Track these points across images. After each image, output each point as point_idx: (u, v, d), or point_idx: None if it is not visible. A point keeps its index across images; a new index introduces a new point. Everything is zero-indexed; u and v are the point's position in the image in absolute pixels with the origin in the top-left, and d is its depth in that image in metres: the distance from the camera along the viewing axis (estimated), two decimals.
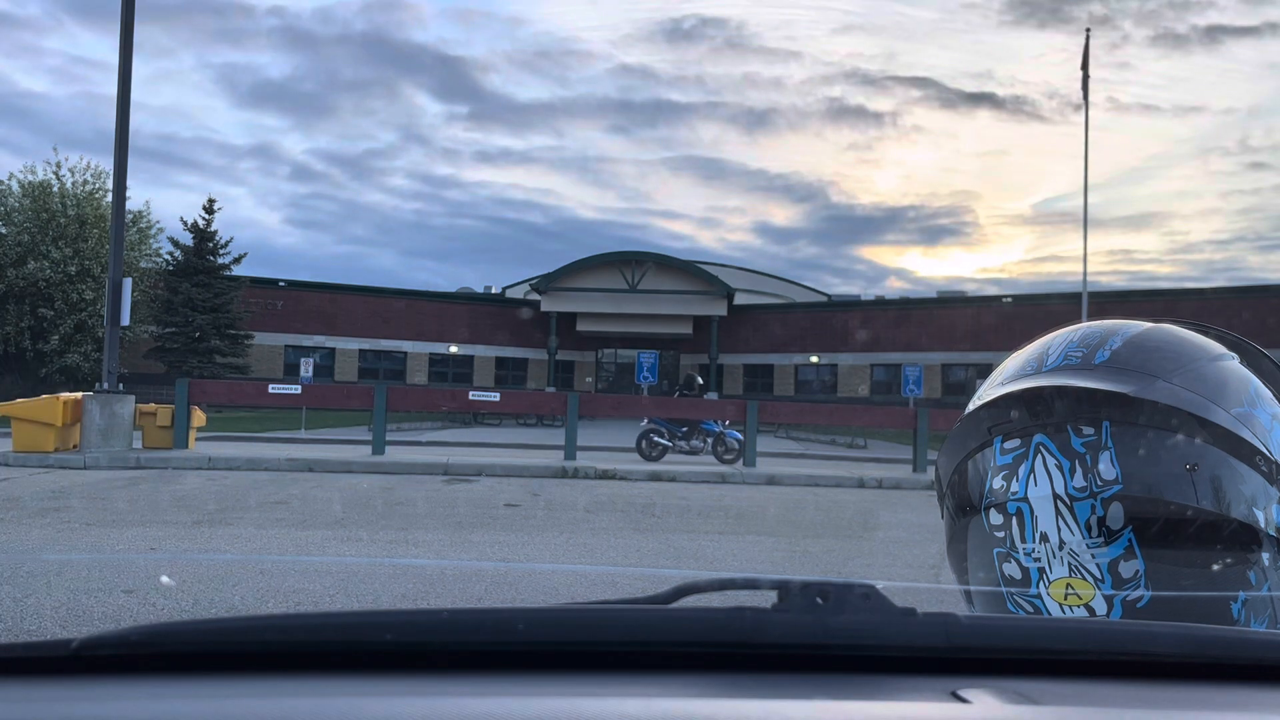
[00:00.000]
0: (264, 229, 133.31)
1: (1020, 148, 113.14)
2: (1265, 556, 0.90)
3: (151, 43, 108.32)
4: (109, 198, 30.86)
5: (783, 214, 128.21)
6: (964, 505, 1.01)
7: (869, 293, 56.86)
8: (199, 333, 35.02)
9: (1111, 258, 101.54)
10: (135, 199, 34.88)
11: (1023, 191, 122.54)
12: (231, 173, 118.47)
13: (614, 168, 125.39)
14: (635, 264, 41.93)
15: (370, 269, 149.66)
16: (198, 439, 16.19)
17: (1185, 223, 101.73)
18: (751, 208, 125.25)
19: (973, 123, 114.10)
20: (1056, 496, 0.93)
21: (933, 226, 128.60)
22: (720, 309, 42.08)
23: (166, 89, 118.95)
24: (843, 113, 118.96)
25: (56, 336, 32.81)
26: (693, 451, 17.56)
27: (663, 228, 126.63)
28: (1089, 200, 29.90)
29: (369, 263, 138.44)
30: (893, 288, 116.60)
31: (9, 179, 34.66)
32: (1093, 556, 0.91)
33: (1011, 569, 0.95)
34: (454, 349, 42.18)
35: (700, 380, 20.42)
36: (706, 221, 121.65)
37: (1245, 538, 0.89)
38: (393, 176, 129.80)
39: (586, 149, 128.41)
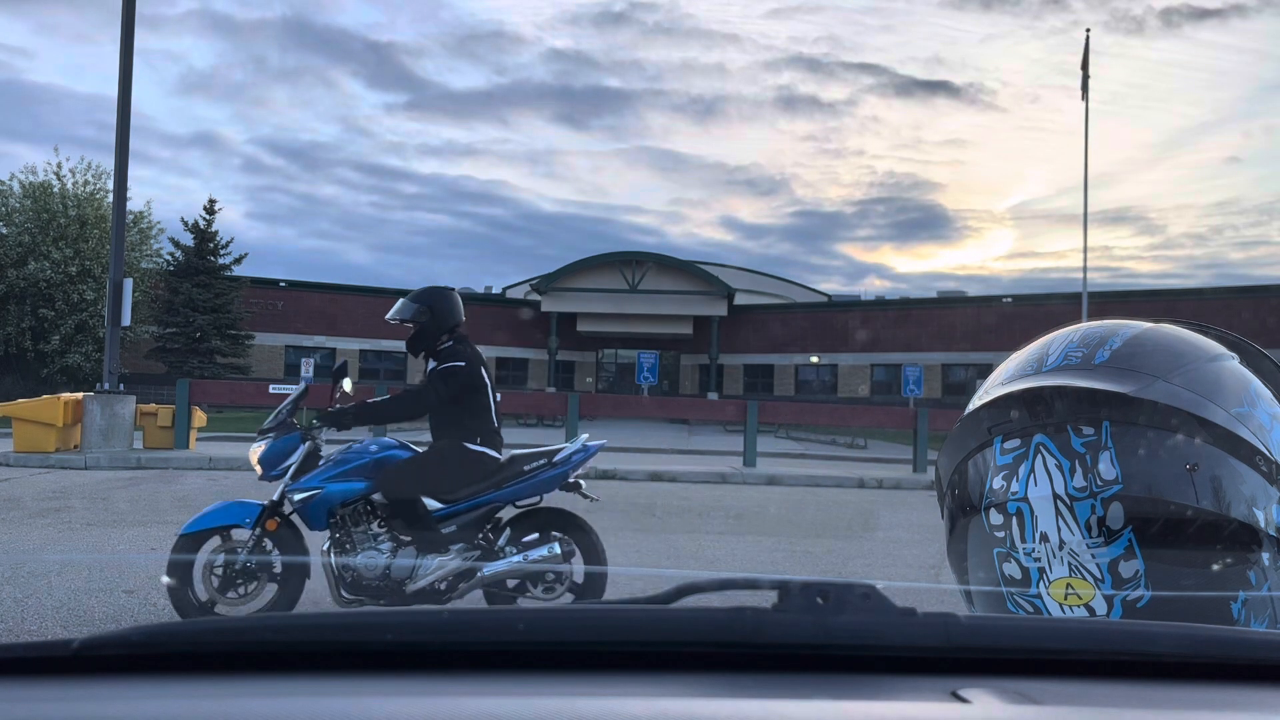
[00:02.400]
0: (227, 224, 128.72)
1: (987, 139, 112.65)
2: (1265, 556, 0.90)
3: (67, 28, 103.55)
4: (109, 198, 30.87)
5: (748, 209, 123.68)
6: (964, 505, 1.01)
7: (849, 290, 57.02)
8: (200, 333, 35.05)
9: (1091, 255, 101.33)
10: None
11: (997, 185, 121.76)
12: (180, 164, 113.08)
13: (567, 159, 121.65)
14: (635, 264, 41.95)
15: (340, 265, 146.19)
16: (198, 439, 16.19)
17: (1163, 218, 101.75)
18: (715, 202, 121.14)
19: (931, 111, 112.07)
20: (1057, 496, 0.92)
21: (905, 221, 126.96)
22: (720, 309, 42.09)
23: (90, 77, 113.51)
24: (794, 101, 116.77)
25: (57, 337, 32.83)
26: None
27: (627, 221, 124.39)
28: (1088, 199, 29.90)
29: (337, 258, 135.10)
30: (873, 286, 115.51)
31: (10, 179, 34.72)
32: (1093, 556, 0.91)
33: (1011, 569, 0.95)
34: None
35: None
36: (671, 216, 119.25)
37: (1245, 538, 0.89)
38: (339, 169, 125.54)
39: (534, 139, 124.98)
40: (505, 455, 5.38)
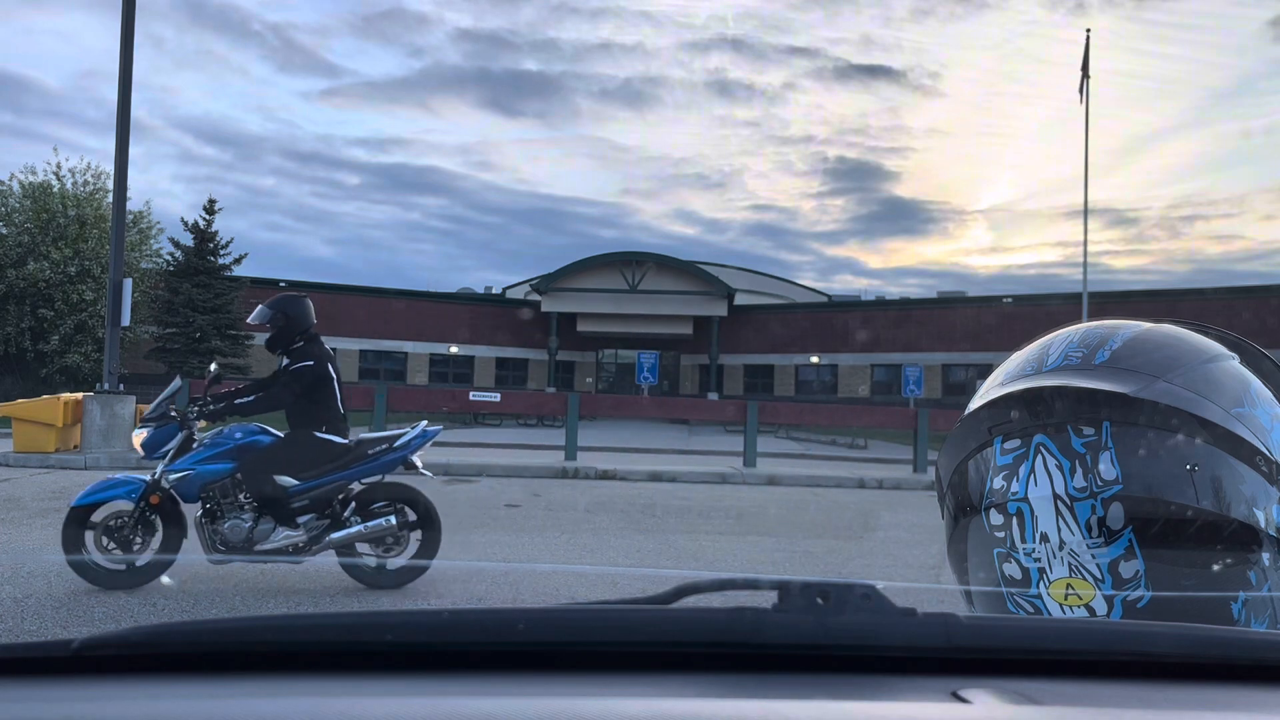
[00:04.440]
0: (173, 216, 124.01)
1: (943, 127, 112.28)
2: (1265, 556, 0.90)
3: None
4: (109, 198, 30.88)
5: (701, 202, 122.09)
6: (964, 505, 1.01)
7: (824, 286, 57.15)
8: (200, 333, 35.04)
9: (1065, 250, 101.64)
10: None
11: (962, 177, 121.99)
12: (109, 151, 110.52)
13: (501, 148, 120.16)
14: (635, 264, 41.95)
15: (303, 260, 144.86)
16: None
17: (1138, 212, 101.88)
18: (666, 194, 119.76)
19: (873, 98, 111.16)
20: (1057, 497, 0.92)
21: (868, 214, 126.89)
22: (720, 309, 42.08)
23: None
24: (728, 86, 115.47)
25: (57, 337, 32.83)
26: None
27: (579, 213, 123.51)
28: (1088, 199, 29.89)
29: (297, 253, 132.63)
30: (844, 282, 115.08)
31: (10, 179, 34.71)
32: (1093, 557, 0.91)
33: (1012, 569, 0.95)
34: (454, 349, 42.20)
35: None
36: (624, 208, 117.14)
37: (1245, 538, 0.89)
38: (270, 156, 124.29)
39: (462, 125, 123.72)
40: (355, 439, 6.41)
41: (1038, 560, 0.93)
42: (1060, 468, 0.93)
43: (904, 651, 0.66)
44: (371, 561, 6.22)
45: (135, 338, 34.08)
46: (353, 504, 6.20)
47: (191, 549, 6.08)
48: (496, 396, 19.06)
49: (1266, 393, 0.97)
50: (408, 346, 41.58)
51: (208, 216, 36.60)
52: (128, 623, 4.59)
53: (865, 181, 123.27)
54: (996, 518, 0.97)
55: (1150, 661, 0.69)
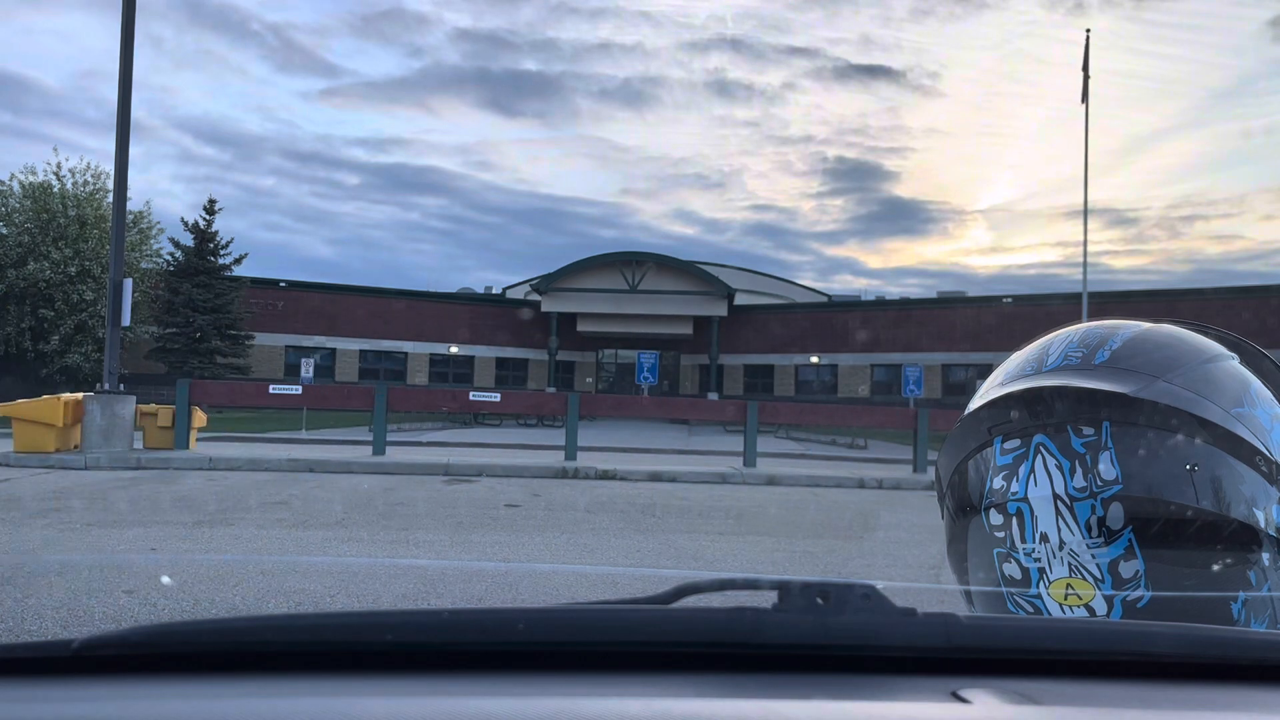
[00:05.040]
0: (171, 215, 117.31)
1: (942, 126, 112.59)
2: (1265, 556, 0.90)
3: None
4: (109, 198, 30.90)
5: (701, 201, 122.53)
6: (964, 505, 1.01)
7: (823, 286, 57.17)
8: (200, 333, 35.04)
9: (1065, 250, 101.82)
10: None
11: (961, 176, 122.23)
12: (109, 151, 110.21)
13: (501, 148, 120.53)
14: (635, 264, 41.95)
15: (303, 259, 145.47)
16: (198, 439, 16.19)
17: (1138, 212, 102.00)
18: (666, 194, 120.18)
19: (873, 98, 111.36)
20: (1057, 497, 0.92)
21: (867, 215, 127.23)
22: (720, 309, 42.08)
23: None
24: (728, 86, 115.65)
25: (57, 337, 32.84)
26: None
27: (578, 213, 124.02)
28: (1088, 200, 29.89)
29: (297, 253, 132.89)
30: (844, 282, 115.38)
31: (10, 179, 34.74)
32: (1093, 557, 0.91)
33: (1011, 569, 0.95)
34: (454, 349, 42.19)
35: None
36: (623, 208, 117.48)
37: (1245, 538, 0.89)
38: (270, 156, 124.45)
39: (462, 125, 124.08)
40: None
41: (1038, 560, 0.93)
42: (1060, 468, 0.93)
43: (904, 651, 0.66)
44: None
45: (135, 338, 34.08)
46: None
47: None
48: (496, 396, 19.05)
49: (1266, 393, 0.97)
50: (408, 346, 41.58)
51: (208, 216, 36.61)
52: (128, 623, 4.59)
53: (865, 181, 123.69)
54: (996, 518, 0.97)
55: (1150, 661, 0.69)
